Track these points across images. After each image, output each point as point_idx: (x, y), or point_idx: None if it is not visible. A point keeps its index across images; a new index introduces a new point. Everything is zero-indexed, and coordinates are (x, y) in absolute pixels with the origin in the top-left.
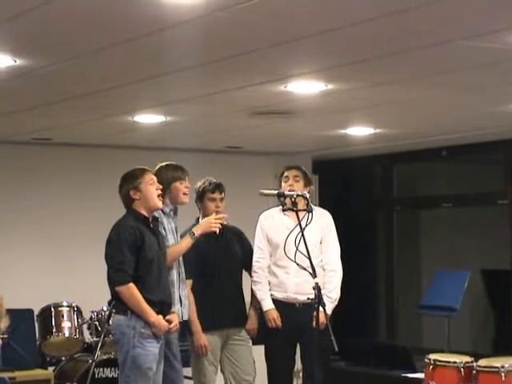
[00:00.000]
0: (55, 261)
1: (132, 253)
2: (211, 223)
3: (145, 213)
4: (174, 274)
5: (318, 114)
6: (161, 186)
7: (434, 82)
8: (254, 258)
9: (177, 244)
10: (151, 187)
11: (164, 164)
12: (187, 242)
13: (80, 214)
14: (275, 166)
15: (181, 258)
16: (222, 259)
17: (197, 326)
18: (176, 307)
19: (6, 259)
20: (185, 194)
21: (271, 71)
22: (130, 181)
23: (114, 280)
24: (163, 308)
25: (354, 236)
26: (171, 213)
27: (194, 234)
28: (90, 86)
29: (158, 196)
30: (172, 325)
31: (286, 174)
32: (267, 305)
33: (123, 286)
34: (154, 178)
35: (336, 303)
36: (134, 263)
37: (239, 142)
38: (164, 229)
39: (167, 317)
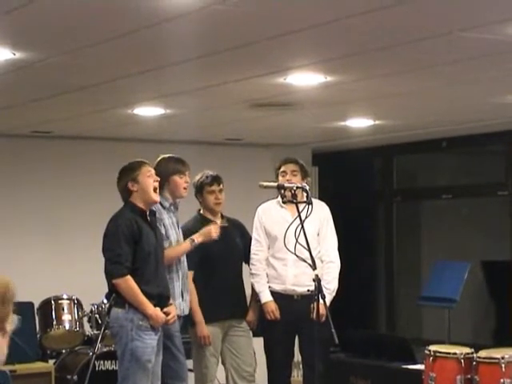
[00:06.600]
0: (55, 254)
1: (129, 245)
2: (211, 232)
3: (142, 206)
4: (175, 270)
5: (318, 105)
6: (158, 179)
7: (432, 73)
8: (252, 251)
9: (175, 247)
10: (149, 179)
11: (166, 156)
12: (186, 247)
13: (80, 207)
14: (275, 158)
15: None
16: (224, 251)
17: (199, 316)
18: (177, 301)
19: (6, 252)
20: (184, 188)
21: (270, 63)
22: (128, 173)
23: (111, 273)
24: (161, 300)
25: (354, 228)
26: (172, 207)
27: (193, 241)
28: (90, 79)
29: (155, 189)
30: (169, 317)
31: (283, 168)
32: (265, 297)
33: (120, 279)
34: (152, 171)
35: (334, 294)
36: (131, 256)
37: (239, 134)
38: (164, 225)
39: (165, 309)
